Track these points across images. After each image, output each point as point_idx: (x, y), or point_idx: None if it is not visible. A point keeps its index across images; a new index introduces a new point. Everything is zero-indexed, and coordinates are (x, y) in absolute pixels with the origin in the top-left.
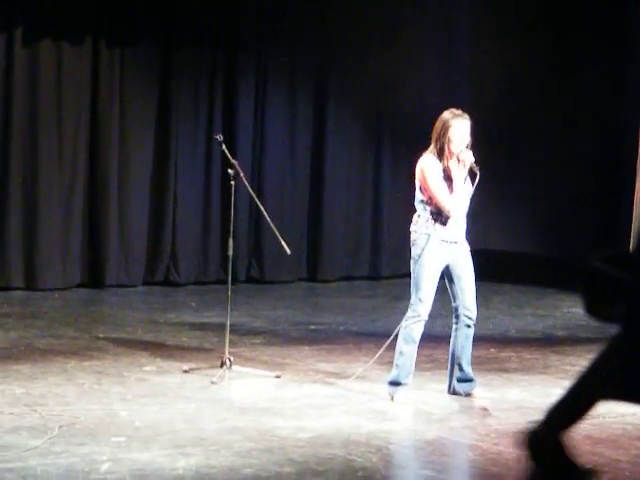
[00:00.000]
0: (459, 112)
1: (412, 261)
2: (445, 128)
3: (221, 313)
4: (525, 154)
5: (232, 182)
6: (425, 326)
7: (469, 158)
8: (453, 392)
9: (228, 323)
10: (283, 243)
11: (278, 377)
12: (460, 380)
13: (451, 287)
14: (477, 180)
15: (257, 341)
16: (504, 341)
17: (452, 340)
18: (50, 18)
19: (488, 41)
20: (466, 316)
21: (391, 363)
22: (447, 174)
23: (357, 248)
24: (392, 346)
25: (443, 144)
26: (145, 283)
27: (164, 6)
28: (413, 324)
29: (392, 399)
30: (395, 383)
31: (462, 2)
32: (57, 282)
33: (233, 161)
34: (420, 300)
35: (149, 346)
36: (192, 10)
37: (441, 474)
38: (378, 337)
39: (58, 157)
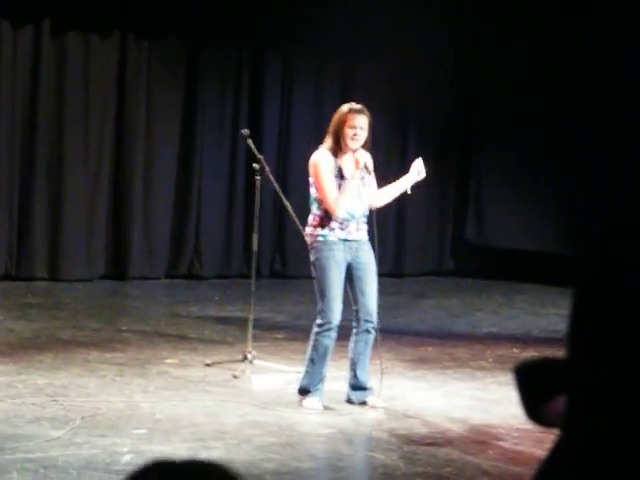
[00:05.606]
0: (358, 106)
1: (312, 267)
2: (341, 122)
3: (244, 307)
4: (550, 154)
5: (257, 177)
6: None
7: (363, 159)
8: (348, 400)
9: (251, 317)
10: (307, 238)
11: (299, 372)
12: (354, 388)
13: (352, 289)
14: (369, 181)
15: (279, 336)
16: (527, 341)
17: (351, 345)
18: (78, 10)
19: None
20: (366, 321)
21: (411, 361)
22: (340, 171)
23: (381, 245)
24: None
25: (338, 138)
26: (168, 276)
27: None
28: (325, 332)
29: (301, 404)
30: (304, 391)
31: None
32: (81, 273)
33: (259, 156)
34: (329, 307)
35: (171, 339)
36: (220, 5)
37: (462, 472)
38: (400, 334)
39: (84, 149)
